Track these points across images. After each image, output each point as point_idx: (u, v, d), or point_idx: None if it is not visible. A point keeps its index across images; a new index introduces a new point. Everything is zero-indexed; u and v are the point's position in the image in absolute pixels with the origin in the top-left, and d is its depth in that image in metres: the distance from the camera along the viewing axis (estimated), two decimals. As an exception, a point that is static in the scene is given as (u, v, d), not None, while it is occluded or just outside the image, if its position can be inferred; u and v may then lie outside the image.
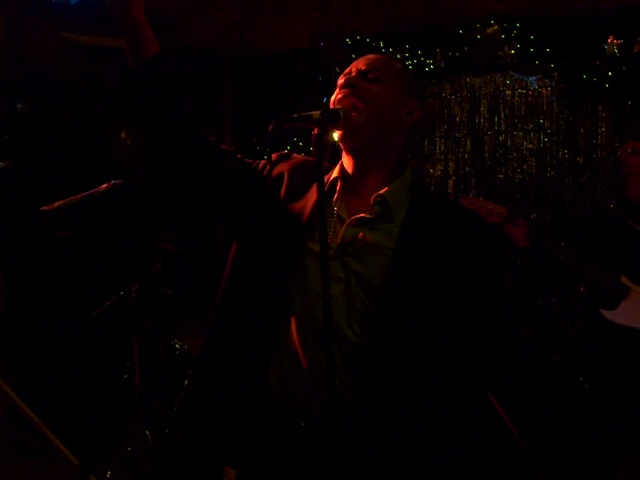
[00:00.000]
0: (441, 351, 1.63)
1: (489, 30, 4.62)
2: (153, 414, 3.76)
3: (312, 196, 1.68)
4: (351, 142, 1.69)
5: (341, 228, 1.66)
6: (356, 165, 1.72)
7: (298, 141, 5.07)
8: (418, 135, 5.04)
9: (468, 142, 5.00)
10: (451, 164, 5.03)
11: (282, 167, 1.78)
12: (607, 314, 3.17)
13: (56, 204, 2.81)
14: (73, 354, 4.49)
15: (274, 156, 1.82)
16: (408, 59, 4.86)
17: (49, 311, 4.57)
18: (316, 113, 1.53)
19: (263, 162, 1.81)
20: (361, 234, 1.65)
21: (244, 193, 1.73)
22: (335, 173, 1.75)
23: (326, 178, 1.75)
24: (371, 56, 1.76)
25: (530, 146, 4.83)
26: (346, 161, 1.75)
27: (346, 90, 1.68)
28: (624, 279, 3.16)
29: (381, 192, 1.67)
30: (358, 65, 1.72)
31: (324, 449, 1.55)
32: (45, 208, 2.78)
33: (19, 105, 4.70)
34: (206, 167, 1.72)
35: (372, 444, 1.59)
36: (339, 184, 1.72)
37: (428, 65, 4.86)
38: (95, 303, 3.70)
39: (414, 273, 1.62)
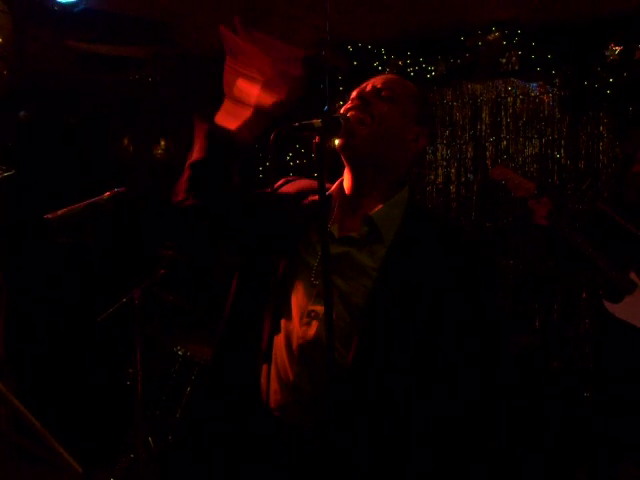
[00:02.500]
0: (423, 372, 1.60)
1: (490, 37, 4.63)
2: (156, 421, 3.76)
3: (311, 209, 1.69)
4: (349, 153, 1.69)
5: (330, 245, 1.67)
6: (354, 180, 1.72)
7: (300, 148, 5.07)
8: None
9: (470, 148, 5.01)
10: (453, 170, 5.04)
11: (285, 189, 1.81)
12: (609, 306, 3.20)
13: (59, 212, 2.82)
14: (76, 360, 4.49)
15: (280, 181, 1.85)
16: (409, 66, 4.87)
17: (52, 317, 4.58)
18: (317, 121, 1.53)
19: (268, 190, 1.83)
20: (348, 253, 1.65)
21: (255, 221, 1.75)
22: (332, 190, 1.76)
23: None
24: (390, 76, 1.77)
25: (532, 152, 4.83)
26: (346, 177, 1.75)
27: (356, 102, 1.69)
28: (633, 276, 3.19)
29: (370, 212, 1.67)
30: (375, 82, 1.73)
31: (312, 462, 1.56)
32: (48, 216, 2.79)
33: (22, 113, 4.71)
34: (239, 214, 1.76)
35: (356, 458, 1.58)
36: (334, 200, 1.73)
37: (430, 72, 4.87)
38: (98, 310, 3.70)
39: (397, 295, 1.59)
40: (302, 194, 1.76)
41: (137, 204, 4.14)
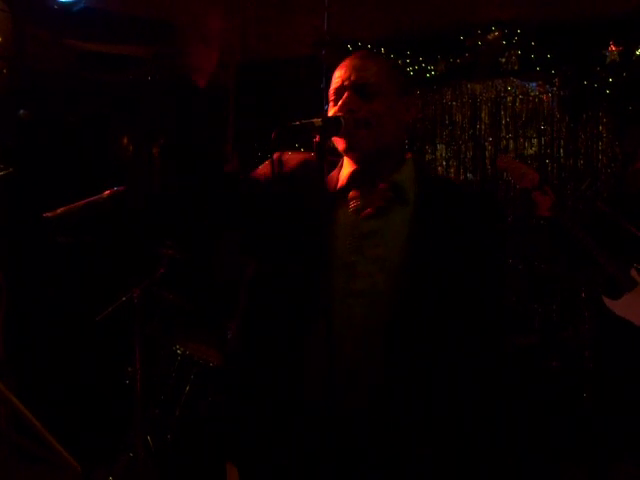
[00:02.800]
0: (457, 335, 1.62)
1: (490, 36, 4.64)
2: (155, 420, 3.76)
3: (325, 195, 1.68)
4: (354, 155, 1.70)
5: (359, 220, 1.67)
6: (360, 165, 1.72)
7: (300, 147, 5.07)
8: (419, 140, 5.07)
9: (469, 148, 5.01)
10: (452, 170, 5.04)
11: (287, 169, 1.79)
12: (609, 302, 3.20)
13: (59, 210, 2.82)
14: (75, 360, 4.49)
15: (275, 157, 1.81)
16: (409, 65, 4.87)
17: (51, 316, 4.58)
18: (317, 121, 1.54)
19: (265, 171, 1.81)
20: (373, 226, 1.65)
21: (262, 212, 1.75)
22: (350, 166, 1.74)
23: (338, 172, 1.76)
24: (361, 63, 1.69)
25: (531, 152, 4.84)
26: (351, 163, 1.75)
27: (343, 115, 1.64)
28: (634, 273, 3.19)
29: (391, 178, 1.68)
30: (350, 75, 1.67)
31: (352, 452, 1.57)
32: (48, 214, 2.79)
33: (22, 112, 4.71)
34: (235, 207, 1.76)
35: (394, 441, 1.59)
36: (348, 177, 1.73)
37: (429, 71, 4.87)
38: (97, 309, 3.70)
39: (430, 254, 1.61)
40: (305, 178, 1.73)
41: (137, 203, 4.15)
